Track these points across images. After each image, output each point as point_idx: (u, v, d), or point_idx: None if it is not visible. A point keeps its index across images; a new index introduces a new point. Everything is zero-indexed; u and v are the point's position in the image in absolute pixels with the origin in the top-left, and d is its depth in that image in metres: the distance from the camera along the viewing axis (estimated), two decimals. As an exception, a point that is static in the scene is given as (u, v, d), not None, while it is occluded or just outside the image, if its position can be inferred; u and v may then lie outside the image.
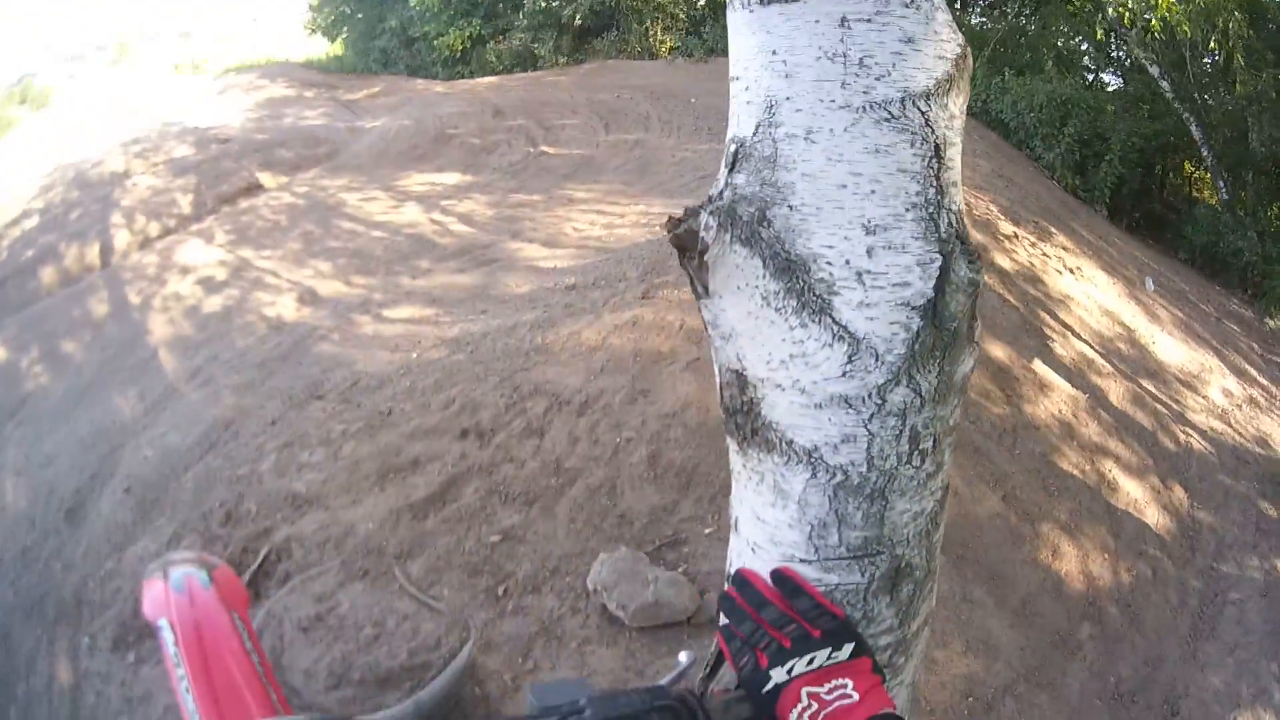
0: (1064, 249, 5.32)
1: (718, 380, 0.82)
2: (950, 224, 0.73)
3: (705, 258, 0.74)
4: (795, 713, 0.76)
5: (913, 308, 0.72)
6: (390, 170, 7.02)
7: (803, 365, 0.74)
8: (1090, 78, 10.10)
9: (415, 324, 3.92)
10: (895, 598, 0.82)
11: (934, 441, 0.77)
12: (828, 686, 0.75)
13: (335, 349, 3.73)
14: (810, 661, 0.76)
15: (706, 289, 0.77)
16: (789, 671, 0.76)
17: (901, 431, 0.75)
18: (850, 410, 0.74)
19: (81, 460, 3.31)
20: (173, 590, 1.11)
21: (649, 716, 0.72)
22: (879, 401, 0.73)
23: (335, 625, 2.14)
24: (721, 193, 0.75)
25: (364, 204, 6.14)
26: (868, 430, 0.74)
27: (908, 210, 0.71)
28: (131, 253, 5.88)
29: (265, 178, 7.03)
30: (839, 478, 0.76)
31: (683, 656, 0.90)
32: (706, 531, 2.50)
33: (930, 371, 0.74)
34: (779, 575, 0.83)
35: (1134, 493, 3.46)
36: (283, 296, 4.58)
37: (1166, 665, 2.75)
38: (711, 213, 0.74)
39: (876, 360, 0.72)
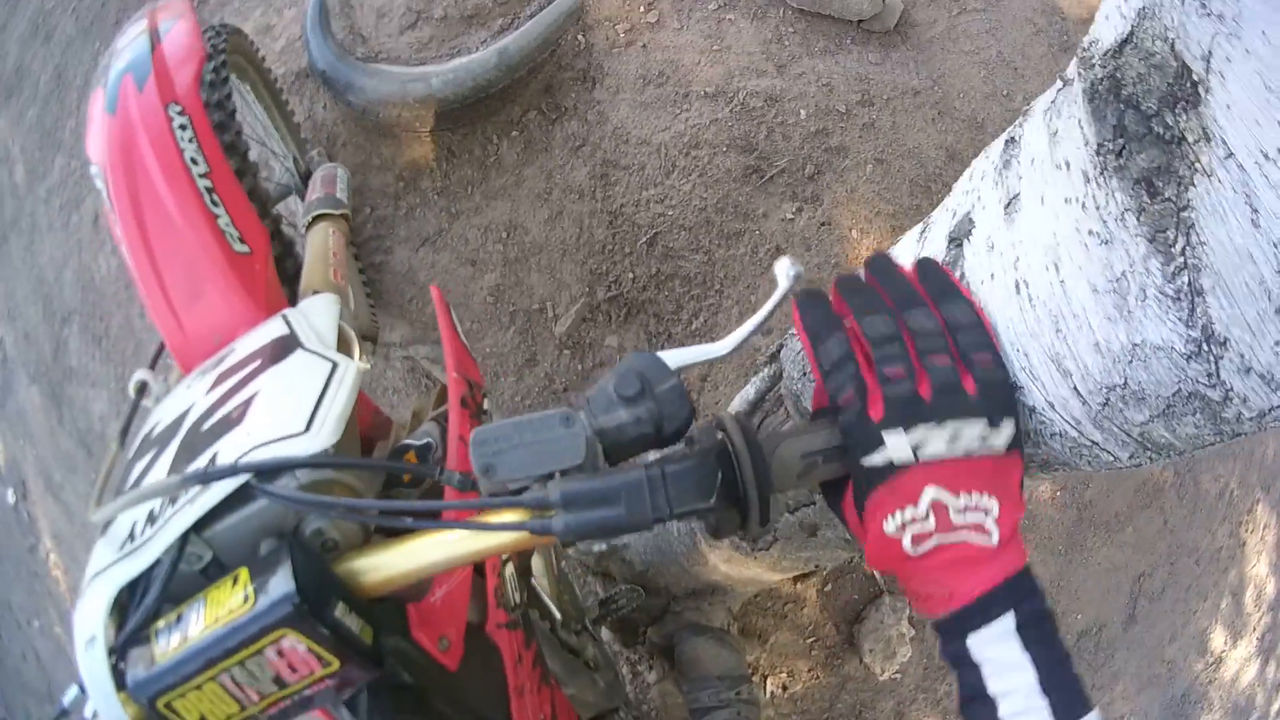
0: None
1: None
2: None
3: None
4: (895, 520, 0.46)
5: None
6: None
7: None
8: None
9: None
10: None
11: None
12: (964, 500, 0.45)
13: None
14: (954, 438, 0.45)
15: None
16: (915, 447, 0.45)
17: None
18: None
19: None
20: (106, 111, 0.91)
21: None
22: None
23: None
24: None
25: None
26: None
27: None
28: None
29: None
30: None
31: (784, 271, 0.53)
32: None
33: None
34: (927, 264, 0.53)
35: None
36: None
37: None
38: None
39: None
